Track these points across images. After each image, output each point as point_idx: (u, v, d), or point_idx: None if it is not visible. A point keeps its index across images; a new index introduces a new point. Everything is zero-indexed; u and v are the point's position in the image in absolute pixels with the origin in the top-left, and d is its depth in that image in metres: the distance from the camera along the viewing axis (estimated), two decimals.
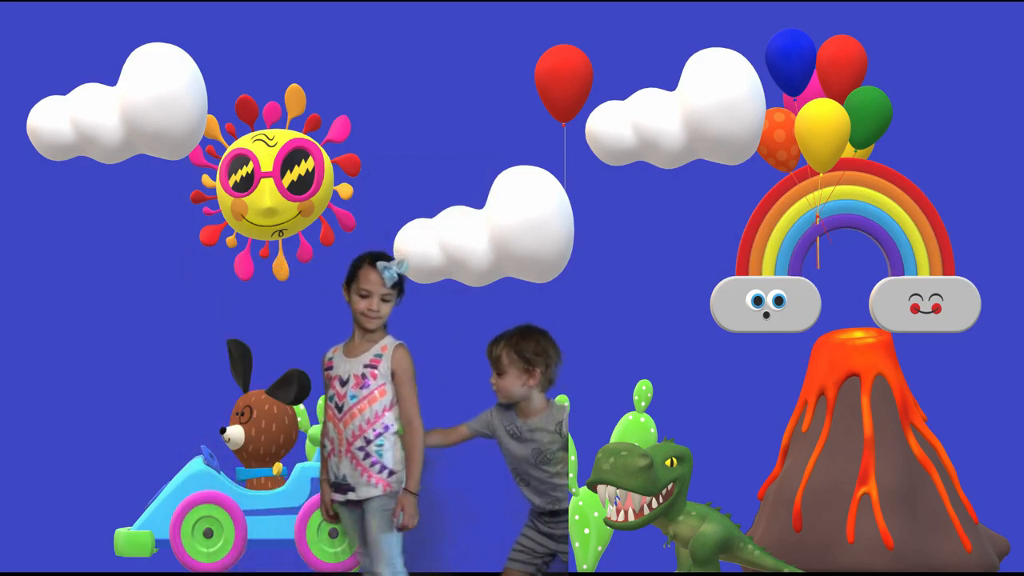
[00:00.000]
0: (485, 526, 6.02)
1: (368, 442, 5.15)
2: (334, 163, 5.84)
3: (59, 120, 5.61)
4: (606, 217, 6.16)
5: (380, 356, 5.23)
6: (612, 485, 5.55)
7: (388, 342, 5.27)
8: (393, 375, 5.23)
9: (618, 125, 5.59)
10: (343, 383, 5.21)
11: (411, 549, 5.43)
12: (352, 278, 5.31)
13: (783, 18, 6.35)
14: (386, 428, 5.19)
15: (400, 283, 5.30)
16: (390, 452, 5.17)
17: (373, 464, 5.15)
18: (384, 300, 5.25)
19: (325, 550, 5.68)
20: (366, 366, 5.21)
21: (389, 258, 5.32)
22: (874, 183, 6.11)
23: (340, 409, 5.19)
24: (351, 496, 5.20)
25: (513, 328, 5.44)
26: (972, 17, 6.96)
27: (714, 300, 6.05)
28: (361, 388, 5.19)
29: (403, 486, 5.19)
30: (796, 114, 5.93)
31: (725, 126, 5.45)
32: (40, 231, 6.80)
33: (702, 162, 5.68)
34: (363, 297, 5.26)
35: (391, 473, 5.17)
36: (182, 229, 6.05)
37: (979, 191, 6.84)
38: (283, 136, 5.77)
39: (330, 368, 5.29)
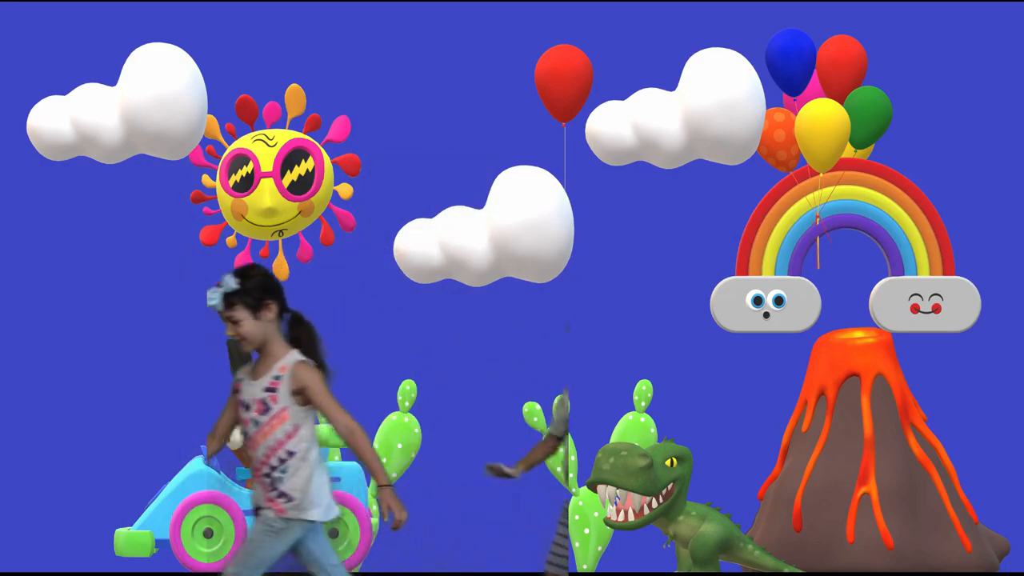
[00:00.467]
0: (513, 527, 6.03)
1: (273, 469, 4.68)
2: (334, 163, 5.85)
3: (59, 120, 5.61)
4: (606, 217, 6.17)
5: (279, 378, 4.70)
6: (612, 485, 5.55)
7: (288, 361, 4.72)
8: (302, 393, 4.71)
9: (618, 125, 5.59)
10: (247, 408, 4.72)
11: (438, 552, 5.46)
12: None
13: (783, 18, 6.35)
14: (290, 455, 4.68)
15: (248, 297, 4.73)
16: (291, 479, 4.69)
17: (274, 490, 4.69)
18: (233, 321, 4.71)
19: None
20: (266, 390, 4.70)
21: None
22: (874, 183, 6.11)
23: (246, 436, 4.73)
24: None
25: None
26: (972, 17, 6.96)
27: (714, 300, 6.05)
28: (263, 414, 4.70)
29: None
30: (796, 114, 5.93)
31: (725, 126, 5.45)
32: (40, 231, 6.80)
33: (702, 162, 5.68)
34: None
35: (289, 500, 4.69)
36: (182, 229, 6.04)
37: (979, 191, 6.84)
38: (283, 136, 5.78)
39: (238, 391, 4.78)
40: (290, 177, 5.72)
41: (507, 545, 5.87)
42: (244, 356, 5.96)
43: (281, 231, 5.81)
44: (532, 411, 6.07)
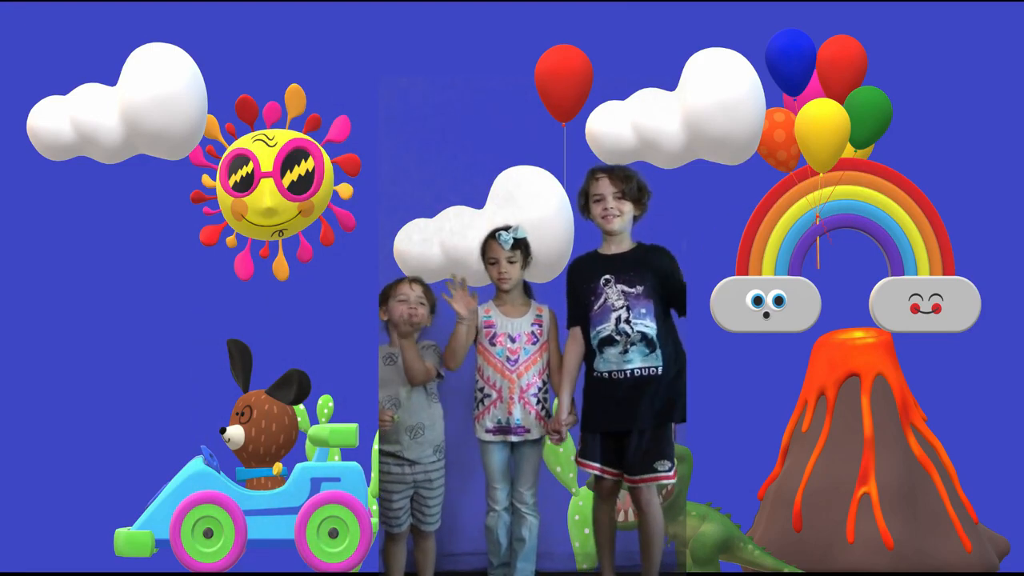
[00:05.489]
0: None
1: (539, 390, 5.63)
2: (334, 163, 5.84)
3: (59, 120, 5.61)
4: None
5: (540, 316, 5.70)
6: None
7: (540, 304, 5.75)
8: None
9: (618, 125, 5.59)
10: (511, 340, 5.63)
11: None
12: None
13: (783, 18, 6.34)
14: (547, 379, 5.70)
15: (528, 248, 5.69)
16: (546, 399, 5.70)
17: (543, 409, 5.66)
18: (511, 262, 5.66)
19: (325, 550, 5.68)
20: (532, 324, 5.67)
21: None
22: (874, 183, 6.11)
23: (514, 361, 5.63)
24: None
25: None
26: (972, 17, 6.95)
27: (714, 300, 6.05)
28: (532, 344, 5.64)
29: None
30: (796, 114, 5.93)
31: (725, 126, 5.46)
32: (40, 231, 6.79)
33: (702, 162, 5.68)
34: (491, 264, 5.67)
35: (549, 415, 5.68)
36: (182, 229, 6.04)
37: (979, 191, 6.84)
38: (283, 136, 5.78)
39: (491, 325, 5.67)
40: (290, 177, 5.72)
41: None
42: (244, 356, 5.98)
43: (281, 231, 5.81)
44: None
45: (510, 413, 5.59)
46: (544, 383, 5.65)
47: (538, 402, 5.62)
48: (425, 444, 5.59)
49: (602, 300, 5.49)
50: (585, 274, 5.57)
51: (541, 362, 5.64)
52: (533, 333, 5.65)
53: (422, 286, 5.68)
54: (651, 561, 5.46)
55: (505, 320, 5.66)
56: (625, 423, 5.42)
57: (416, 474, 5.59)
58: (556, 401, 5.63)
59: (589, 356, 5.55)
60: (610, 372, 5.46)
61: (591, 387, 5.55)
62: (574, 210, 5.73)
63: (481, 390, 5.65)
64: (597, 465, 5.48)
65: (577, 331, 5.57)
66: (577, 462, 5.57)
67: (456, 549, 6.09)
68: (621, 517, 5.47)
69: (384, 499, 5.62)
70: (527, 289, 5.77)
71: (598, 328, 5.49)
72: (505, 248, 5.60)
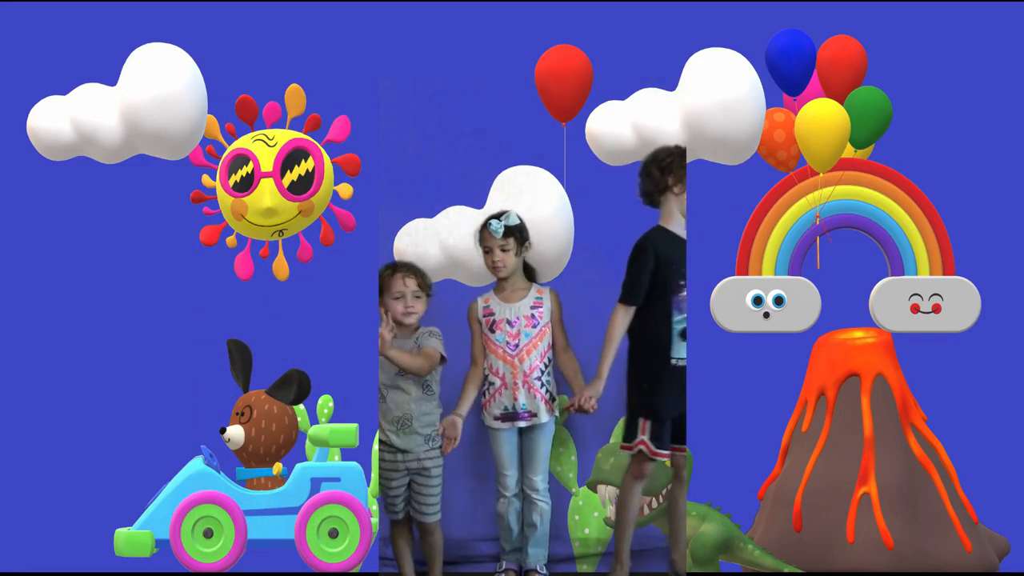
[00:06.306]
0: None
1: (542, 373, 5.63)
2: (334, 163, 5.85)
3: (59, 120, 5.61)
4: (606, 217, 6.17)
5: (540, 299, 5.68)
6: (612, 485, 5.56)
7: (540, 287, 5.74)
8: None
9: (618, 125, 5.60)
10: (509, 324, 5.63)
11: None
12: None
13: (783, 18, 6.34)
14: (550, 361, 5.70)
15: (522, 234, 5.62)
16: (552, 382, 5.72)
17: (548, 393, 5.67)
18: (504, 250, 5.60)
19: (325, 550, 5.68)
20: (532, 307, 5.65)
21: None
22: (874, 183, 6.11)
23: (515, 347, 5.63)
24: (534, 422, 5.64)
25: None
26: (972, 17, 6.95)
27: (714, 300, 6.05)
28: (532, 327, 5.63)
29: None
30: (796, 114, 5.92)
31: (725, 126, 5.46)
32: (40, 231, 6.79)
33: (702, 162, 5.68)
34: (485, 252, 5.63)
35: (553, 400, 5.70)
36: (182, 229, 6.04)
37: (979, 191, 6.84)
38: (283, 136, 5.78)
39: (491, 313, 5.66)
40: (290, 177, 5.72)
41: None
42: (244, 356, 5.98)
43: (281, 231, 5.81)
44: None
45: (515, 399, 5.60)
46: (546, 365, 5.64)
47: (542, 386, 5.62)
48: (413, 435, 5.53)
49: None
50: (673, 256, 5.47)
51: (543, 345, 5.64)
52: (532, 316, 5.64)
53: (416, 277, 5.59)
54: (681, 531, 5.58)
55: (503, 306, 5.65)
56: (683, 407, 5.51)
57: (409, 462, 5.55)
58: (595, 378, 5.53)
59: (663, 342, 5.44)
60: (683, 360, 5.45)
61: (670, 375, 5.45)
62: (574, 210, 5.73)
63: (486, 378, 5.66)
64: (668, 452, 5.49)
65: (632, 310, 5.46)
66: (653, 453, 5.42)
67: (469, 535, 6.07)
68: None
69: (383, 484, 5.61)
70: (529, 272, 5.73)
71: (686, 315, 5.45)
72: (496, 237, 5.58)
